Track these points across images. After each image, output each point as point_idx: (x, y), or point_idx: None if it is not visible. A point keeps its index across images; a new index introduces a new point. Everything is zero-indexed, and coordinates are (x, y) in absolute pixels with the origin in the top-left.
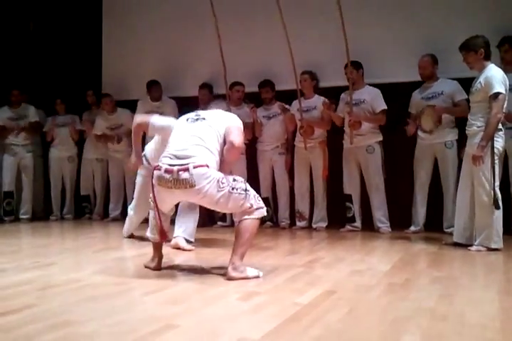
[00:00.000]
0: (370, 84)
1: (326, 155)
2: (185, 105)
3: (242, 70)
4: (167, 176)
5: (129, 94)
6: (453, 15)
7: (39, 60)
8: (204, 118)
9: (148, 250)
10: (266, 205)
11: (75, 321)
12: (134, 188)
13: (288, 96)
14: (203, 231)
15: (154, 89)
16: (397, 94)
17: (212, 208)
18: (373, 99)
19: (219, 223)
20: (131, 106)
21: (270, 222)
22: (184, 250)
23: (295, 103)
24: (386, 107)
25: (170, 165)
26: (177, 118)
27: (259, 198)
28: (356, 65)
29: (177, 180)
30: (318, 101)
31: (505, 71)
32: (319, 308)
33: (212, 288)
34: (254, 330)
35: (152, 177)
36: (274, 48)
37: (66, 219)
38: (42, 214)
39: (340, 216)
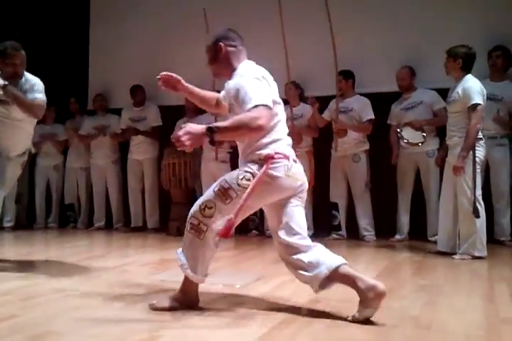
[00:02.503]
0: (357, 93)
1: (312, 164)
2: (172, 113)
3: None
4: (297, 166)
5: (115, 103)
6: (436, 27)
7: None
8: None
9: (132, 259)
10: (252, 214)
11: (57, 332)
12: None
13: None
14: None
15: (138, 93)
16: (381, 104)
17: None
18: (361, 108)
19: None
20: (117, 114)
21: (256, 231)
22: None
23: None
24: (373, 117)
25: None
26: (160, 122)
27: None
28: (346, 75)
29: (301, 171)
30: (304, 109)
31: (492, 79)
32: (304, 317)
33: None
34: (239, 340)
35: (263, 174)
36: (266, 58)
37: (50, 228)
38: (25, 222)
39: (326, 224)
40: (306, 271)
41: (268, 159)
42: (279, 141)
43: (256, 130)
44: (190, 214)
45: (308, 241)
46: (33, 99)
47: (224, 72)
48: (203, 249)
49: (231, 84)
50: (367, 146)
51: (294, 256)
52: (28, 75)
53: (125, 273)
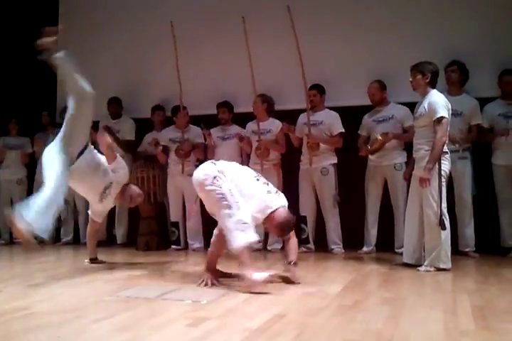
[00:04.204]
0: (326, 107)
1: (280, 178)
2: (142, 126)
3: (200, 92)
4: None
5: None
6: (404, 42)
7: None
8: (267, 184)
9: (100, 275)
10: None
11: None
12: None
13: (246, 119)
14: (157, 255)
15: (112, 105)
16: (350, 117)
17: None
18: (331, 122)
19: (173, 246)
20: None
21: None
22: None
23: (249, 125)
24: (343, 130)
25: None
26: (133, 136)
27: None
28: (321, 90)
29: None
30: (272, 124)
31: (450, 93)
32: (268, 333)
33: (163, 314)
34: None
35: None
36: (234, 71)
37: (16, 243)
38: None
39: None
40: None
41: None
42: None
43: None
44: None
45: None
46: None
47: None
48: None
49: None
50: (335, 160)
51: None
52: None
53: (92, 289)
